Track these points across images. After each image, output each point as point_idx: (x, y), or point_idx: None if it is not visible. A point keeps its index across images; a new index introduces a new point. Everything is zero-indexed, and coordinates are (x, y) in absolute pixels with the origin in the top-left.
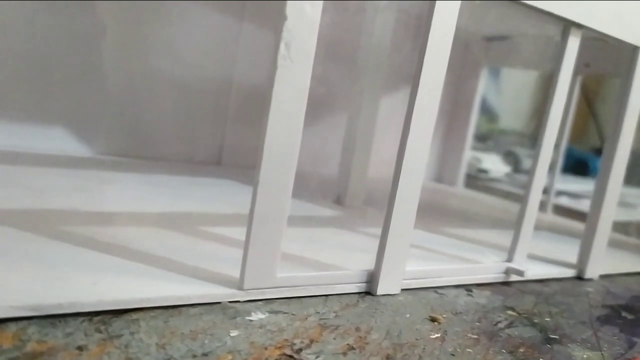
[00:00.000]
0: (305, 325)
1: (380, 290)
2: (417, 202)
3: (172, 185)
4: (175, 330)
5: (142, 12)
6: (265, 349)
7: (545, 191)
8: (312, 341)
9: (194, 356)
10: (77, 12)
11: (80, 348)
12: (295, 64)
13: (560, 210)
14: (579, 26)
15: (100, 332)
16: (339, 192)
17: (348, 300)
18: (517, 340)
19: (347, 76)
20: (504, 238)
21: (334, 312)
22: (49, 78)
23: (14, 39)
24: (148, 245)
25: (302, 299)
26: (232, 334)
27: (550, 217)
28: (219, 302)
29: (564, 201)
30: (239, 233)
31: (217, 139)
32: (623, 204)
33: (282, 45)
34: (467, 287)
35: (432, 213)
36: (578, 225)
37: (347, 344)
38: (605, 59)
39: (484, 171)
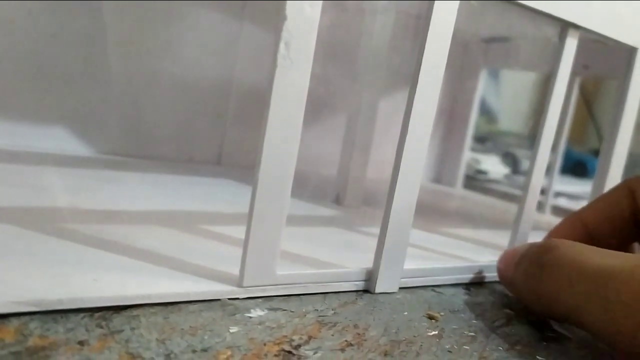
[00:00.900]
0: (303, 322)
1: (378, 289)
2: (416, 201)
3: (172, 185)
4: (175, 326)
5: (142, 12)
6: (264, 344)
7: (544, 192)
8: (310, 337)
9: (194, 351)
10: (77, 11)
11: (81, 343)
12: (295, 64)
13: (559, 211)
14: (577, 27)
15: (101, 327)
16: (338, 191)
17: (346, 298)
18: (514, 337)
19: (346, 76)
20: (502, 238)
21: (333, 310)
22: (48, 77)
23: (14, 39)
24: (148, 243)
25: (301, 296)
26: (231, 330)
27: (548, 217)
28: (218, 299)
29: (563, 202)
30: (239, 231)
31: (217, 139)
32: None
33: (281, 45)
34: (465, 286)
35: (431, 213)
36: None
37: (346, 341)
38: (604, 61)
39: (483, 172)
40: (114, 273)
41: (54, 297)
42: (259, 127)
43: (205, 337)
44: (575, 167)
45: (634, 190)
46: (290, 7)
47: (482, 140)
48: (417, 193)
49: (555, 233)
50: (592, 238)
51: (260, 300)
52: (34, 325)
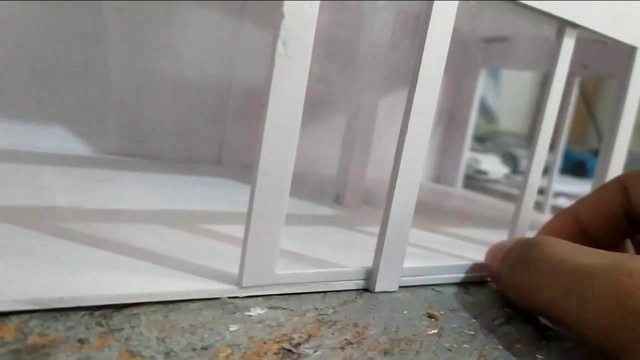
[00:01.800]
0: (303, 321)
1: (378, 287)
2: (415, 201)
3: (172, 184)
4: (175, 324)
5: (142, 12)
6: (264, 343)
7: (544, 192)
8: (310, 336)
9: (194, 349)
10: (77, 11)
11: (81, 341)
12: (293, 62)
13: (559, 211)
14: (574, 25)
15: (101, 325)
16: (338, 191)
17: (346, 296)
18: (514, 336)
19: (345, 75)
20: (502, 237)
21: (332, 308)
22: (49, 77)
23: (14, 38)
24: (148, 242)
25: (301, 295)
26: (231, 329)
27: (548, 217)
28: (218, 298)
29: (562, 202)
30: (238, 231)
31: (217, 138)
32: None
33: (279, 44)
34: (465, 285)
35: (431, 213)
36: None
37: (345, 339)
38: (604, 60)
39: (483, 172)
40: (114, 271)
41: (54, 296)
42: (258, 127)
43: (205, 336)
44: (575, 167)
45: (626, 187)
46: (288, 6)
47: (482, 140)
48: (416, 192)
49: (548, 228)
50: (585, 233)
51: (260, 299)
52: (34, 323)
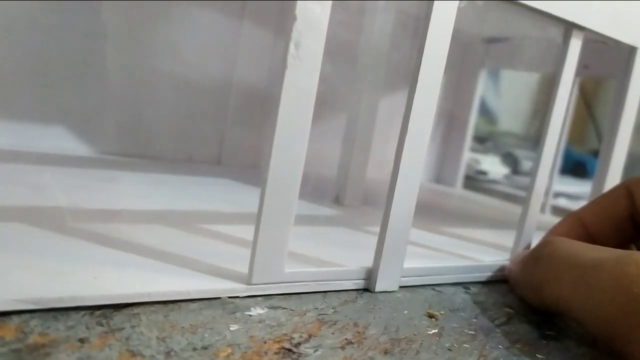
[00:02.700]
0: (304, 321)
1: (378, 287)
2: (415, 201)
3: (172, 184)
4: (175, 324)
5: (142, 12)
6: (265, 342)
7: (544, 193)
8: (310, 335)
9: (194, 349)
10: (78, 11)
11: (81, 340)
12: (304, 63)
13: (559, 212)
14: (581, 28)
15: (102, 325)
16: (338, 191)
17: (346, 296)
18: (514, 336)
19: (346, 76)
20: (502, 238)
21: (333, 308)
22: (49, 77)
23: (15, 38)
24: (148, 242)
25: (301, 295)
26: (231, 328)
27: (548, 218)
28: (218, 298)
29: (563, 202)
30: (239, 231)
31: (217, 139)
32: None
33: (291, 45)
34: (465, 285)
35: (431, 213)
36: None
37: (346, 339)
38: (604, 60)
39: (483, 172)
40: (114, 271)
41: (55, 295)
42: (259, 127)
43: (206, 335)
44: (575, 167)
45: (632, 192)
46: (300, 8)
47: (482, 141)
48: (416, 192)
49: (554, 232)
50: (591, 237)
51: (260, 298)
52: (34, 322)
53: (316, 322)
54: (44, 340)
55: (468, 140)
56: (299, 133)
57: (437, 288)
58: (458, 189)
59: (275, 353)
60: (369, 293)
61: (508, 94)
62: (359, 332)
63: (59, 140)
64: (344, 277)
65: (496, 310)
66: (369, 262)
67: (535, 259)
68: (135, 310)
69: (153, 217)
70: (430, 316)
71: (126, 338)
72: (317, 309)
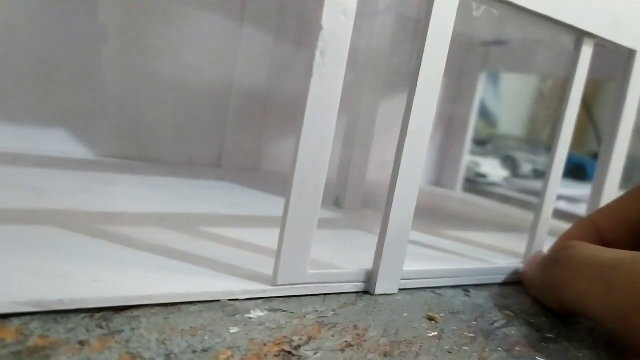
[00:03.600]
0: (303, 323)
1: (378, 290)
2: (415, 203)
3: (173, 187)
4: (175, 326)
5: (142, 14)
6: (265, 345)
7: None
8: (310, 338)
9: (194, 352)
10: (78, 13)
11: (82, 343)
12: (330, 71)
13: (559, 215)
14: (592, 36)
15: (102, 327)
16: (338, 193)
17: (346, 299)
18: (514, 339)
19: (346, 78)
20: (502, 240)
21: (332, 311)
22: (49, 80)
23: (15, 40)
24: (149, 244)
25: (301, 297)
26: (231, 331)
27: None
28: (218, 300)
29: (562, 205)
30: (239, 234)
31: (217, 141)
32: None
33: (317, 54)
34: (465, 288)
35: (431, 216)
36: None
37: (345, 341)
38: (603, 63)
39: (483, 175)
40: (114, 274)
41: (55, 298)
42: (259, 130)
43: (206, 338)
44: (575, 170)
45: None
46: (326, 18)
47: (482, 144)
48: (416, 195)
49: (568, 236)
50: (605, 241)
51: (260, 301)
52: (34, 325)
53: (316, 325)
54: (44, 343)
55: (468, 143)
56: (324, 139)
57: (437, 291)
58: (458, 192)
59: (275, 355)
60: (368, 296)
61: (508, 96)
62: (358, 335)
63: (59, 143)
64: (344, 280)
65: (496, 313)
66: (368, 265)
67: (555, 261)
68: (136, 312)
69: (153, 219)
70: (430, 319)
71: (126, 340)
72: (317, 311)
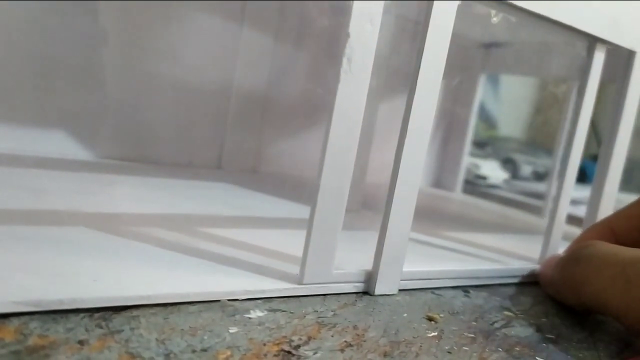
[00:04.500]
0: (303, 323)
1: (378, 290)
2: (415, 205)
3: (172, 188)
4: (175, 326)
5: (142, 16)
6: (264, 345)
7: (543, 197)
8: (310, 338)
9: (194, 351)
10: (78, 14)
11: (81, 342)
12: (356, 77)
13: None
14: (604, 42)
15: (101, 327)
16: None
17: (346, 299)
18: (514, 339)
19: None
20: (501, 242)
21: (332, 311)
22: (49, 81)
23: (15, 41)
24: (148, 245)
25: (300, 298)
26: (231, 331)
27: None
28: (217, 300)
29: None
30: (239, 234)
31: (217, 143)
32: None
33: (344, 60)
34: (464, 288)
35: (430, 217)
36: (576, 231)
37: (345, 341)
38: (605, 64)
39: (483, 177)
40: (113, 274)
41: (54, 297)
42: (259, 131)
43: (205, 338)
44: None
45: None
46: (353, 25)
47: (482, 145)
48: (416, 196)
49: (584, 238)
50: (621, 245)
51: (259, 301)
52: (34, 324)
53: (315, 325)
54: (44, 342)
55: (468, 145)
56: (349, 143)
57: (437, 291)
58: (457, 194)
59: (275, 355)
60: (368, 296)
61: (508, 99)
62: (358, 335)
63: (59, 144)
64: (344, 280)
65: (495, 314)
66: (368, 265)
67: (575, 260)
68: (135, 312)
69: (153, 220)
70: (430, 319)
71: (125, 340)
72: (317, 311)
